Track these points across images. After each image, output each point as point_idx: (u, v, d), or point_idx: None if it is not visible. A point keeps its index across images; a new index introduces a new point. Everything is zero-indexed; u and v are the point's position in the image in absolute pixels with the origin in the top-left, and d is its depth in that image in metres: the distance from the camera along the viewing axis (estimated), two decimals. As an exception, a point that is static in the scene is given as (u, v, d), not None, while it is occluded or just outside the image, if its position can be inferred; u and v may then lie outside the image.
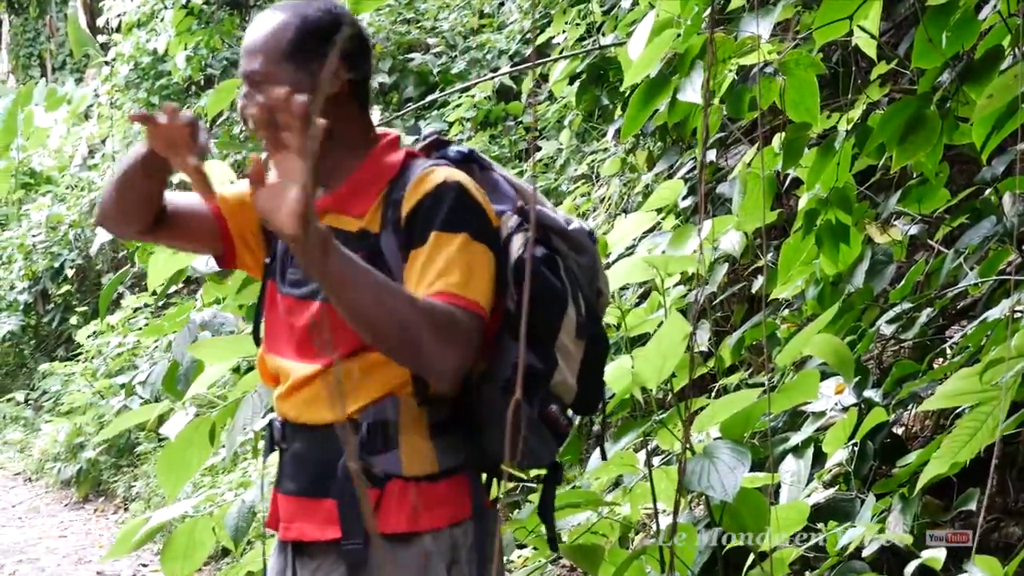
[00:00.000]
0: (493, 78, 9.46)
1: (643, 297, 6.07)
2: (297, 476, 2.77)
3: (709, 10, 3.82)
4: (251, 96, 2.71)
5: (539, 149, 9.31)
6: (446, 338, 2.55)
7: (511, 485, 3.13)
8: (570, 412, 2.88)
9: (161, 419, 4.57)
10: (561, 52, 8.13)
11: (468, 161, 2.84)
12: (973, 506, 3.87)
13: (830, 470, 4.28)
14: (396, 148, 2.81)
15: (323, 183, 2.77)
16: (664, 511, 4.04)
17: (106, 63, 15.53)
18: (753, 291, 5.89)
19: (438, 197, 2.66)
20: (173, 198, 2.90)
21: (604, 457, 3.12)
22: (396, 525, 2.67)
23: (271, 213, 2.33)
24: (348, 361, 2.68)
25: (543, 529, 3.00)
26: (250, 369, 5.52)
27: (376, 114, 10.01)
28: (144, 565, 9.05)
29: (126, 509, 11.28)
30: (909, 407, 4.55)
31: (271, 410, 3.81)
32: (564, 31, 8.28)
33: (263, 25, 2.73)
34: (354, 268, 2.48)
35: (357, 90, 2.78)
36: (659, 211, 5.49)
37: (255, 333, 2.94)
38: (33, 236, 16.56)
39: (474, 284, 2.62)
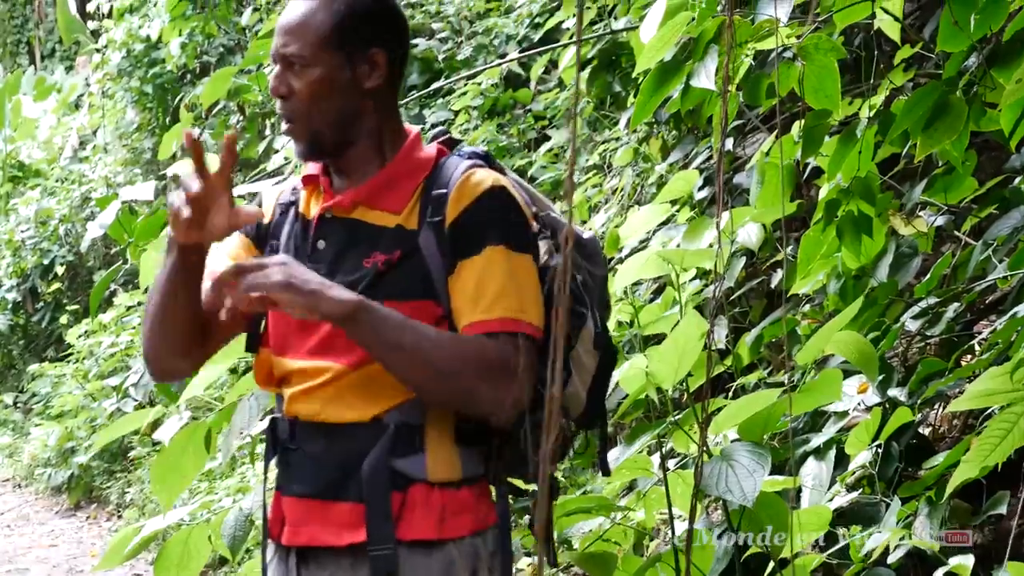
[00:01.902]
0: (500, 64, 9.45)
1: (656, 293, 6.07)
2: (309, 477, 2.75)
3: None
4: (284, 78, 2.75)
5: (549, 138, 9.30)
6: (499, 379, 2.62)
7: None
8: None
9: (155, 424, 4.57)
10: (571, 37, 8.12)
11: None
12: (1004, 510, 3.86)
13: (853, 472, 4.27)
14: (422, 144, 2.85)
15: (355, 175, 2.81)
16: (680, 516, 4.04)
17: (97, 50, 15.53)
18: (772, 286, 5.88)
19: (487, 205, 2.70)
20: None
21: (605, 472, 3.13)
22: (422, 531, 2.67)
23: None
24: (376, 364, 2.69)
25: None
26: (248, 370, 5.52)
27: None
28: (139, 575, 9.06)
29: (119, 516, 11.29)
30: (936, 407, 4.54)
31: (268, 412, 3.81)
32: (574, 15, 8.27)
33: (304, 2, 2.76)
34: (392, 327, 2.60)
35: (395, 78, 2.84)
36: (674, 203, 5.48)
37: (251, 339, 2.92)
38: (22, 232, 16.56)
39: (529, 305, 2.69)
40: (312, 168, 2.87)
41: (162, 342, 2.80)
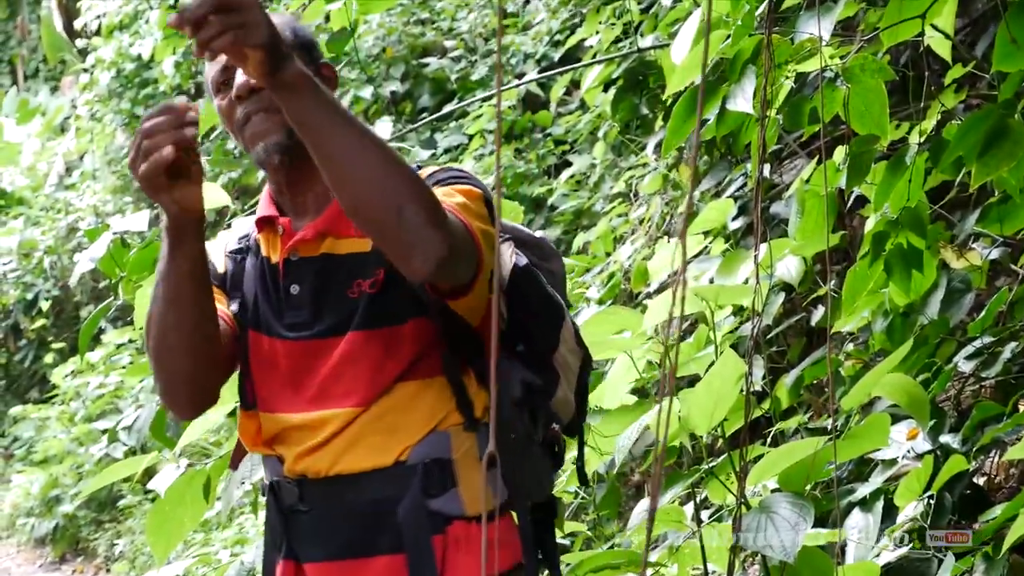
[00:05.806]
0: (518, 85, 9.47)
1: (688, 331, 6.06)
2: (333, 537, 2.73)
3: (764, 7, 3.81)
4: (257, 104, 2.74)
5: (570, 164, 9.32)
6: (436, 221, 2.49)
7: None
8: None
9: (148, 471, 4.56)
10: (594, 56, 8.14)
11: None
12: (1066, 567, 3.84)
13: (903, 525, 4.25)
14: None
15: (312, 206, 2.82)
16: (715, 573, 4.02)
17: (85, 70, 15.61)
18: (812, 323, 5.87)
19: (441, 172, 2.77)
20: None
21: (583, 480, 3.11)
22: (468, 571, 2.66)
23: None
24: (386, 398, 2.70)
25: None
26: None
27: (388, 126, 10.04)
28: (129, 634, 9.06)
29: (108, 570, 11.29)
30: (992, 454, 4.52)
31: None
32: (598, 32, 8.29)
33: None
34: (338, 115, 2.46)
35: None
36: (706, 234, 5.48)
37: (244, 395, 2.87)
38: (3, 264, 16.60)
39: (473, 215, 2.66)
40: (264, 210, 2.85)
41: (182, 358, 2.67)
